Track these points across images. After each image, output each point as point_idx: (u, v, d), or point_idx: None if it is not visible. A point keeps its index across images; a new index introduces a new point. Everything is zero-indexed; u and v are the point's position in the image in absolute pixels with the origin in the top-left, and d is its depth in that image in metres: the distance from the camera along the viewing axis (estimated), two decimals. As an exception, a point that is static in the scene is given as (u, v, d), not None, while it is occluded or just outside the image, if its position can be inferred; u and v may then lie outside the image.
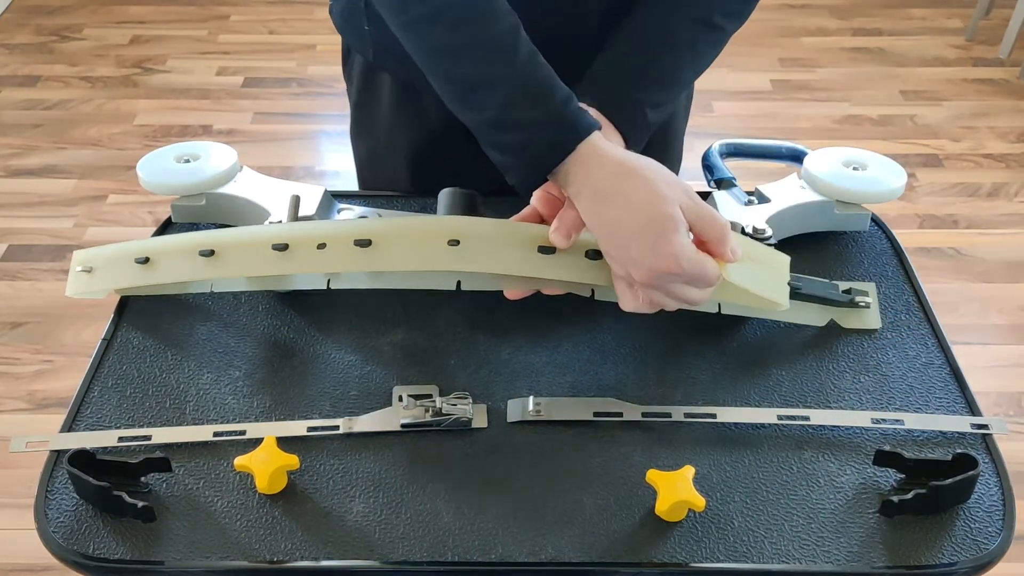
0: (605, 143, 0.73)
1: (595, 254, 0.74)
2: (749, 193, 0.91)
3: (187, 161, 0.92)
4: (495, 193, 0.82)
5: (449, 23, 0.75)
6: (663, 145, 0.95)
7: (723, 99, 2.72)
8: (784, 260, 0.79)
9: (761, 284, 0.76)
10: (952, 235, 2.24)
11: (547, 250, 0.74)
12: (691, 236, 0.71)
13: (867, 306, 0.83)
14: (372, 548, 0.66)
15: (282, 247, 0.77)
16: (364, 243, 0.75)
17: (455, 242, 0.74)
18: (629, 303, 0.73)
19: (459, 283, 0.79)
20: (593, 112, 0.78)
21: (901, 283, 0.88)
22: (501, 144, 0.75)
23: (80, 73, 2.84)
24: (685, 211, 0.70)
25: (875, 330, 0.82)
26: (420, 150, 1.01)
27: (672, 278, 0.70)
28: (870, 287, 0.86)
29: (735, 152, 1.00)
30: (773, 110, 2.69)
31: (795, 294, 0.81)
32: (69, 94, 2.74)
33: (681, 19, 0.83)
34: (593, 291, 0.79)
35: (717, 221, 0.71)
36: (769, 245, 0.84)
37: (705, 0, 0.84)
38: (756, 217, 0.87)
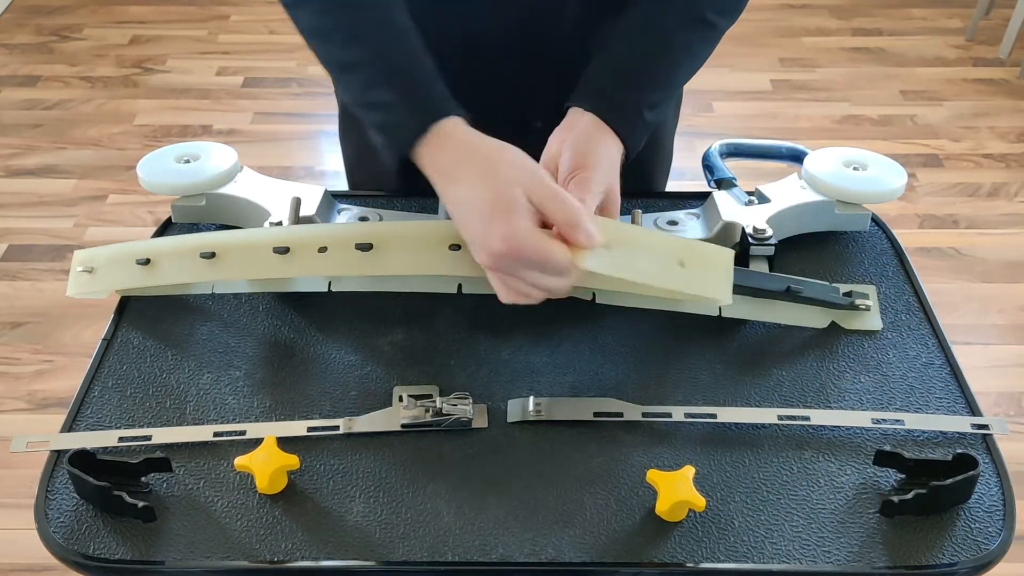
0: (462, 127, 0.74)
1: None
2: (749, 193, 0.91)
3: (187, 161, 0.92)
4: None
5: (318, 5, 0.79)
6: (652, 146, 0.95)
7: (723, 99, 2.72)
8: (726, 255, 0.75)
9: (656, 274, 0.73)
10: (952, 235, 2.24)
11: None
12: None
13: (867, 309, 0.83)
14: (372, 548, 0.66)
15: (283, 250, 0.77)
16: (365, 247, 0.75)
17: (456, 247, 0.74)
18: (499, 293, 0.73)
19: (460, 286, 0.79)
20: (589, 119, 0.78)
21: (901, 283, 0.88)
22: (367, 123, 0.78)
23: (80, 73, 2.84)
24: (530, 194, 0.69)
25: (876, 331, 0.82)
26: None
27: (513, 263, 0.69)
28: (871, 290, 0.86)
29: (735, 152, 1.00)
30: (773, 110, 2.69)
31: (796, 297, 0.81)
32: (69, 94, 2.74)
33: (673, 18, 0.83)
34: (594, 295, 0.79)
35: (565, 203, 0.69)
36: (769, 245, 0.84)
37: None
38: (756, 217, 0.87)
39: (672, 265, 0.73)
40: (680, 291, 0.75)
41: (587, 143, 0.77)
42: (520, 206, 0.69)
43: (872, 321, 0.83)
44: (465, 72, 0.93)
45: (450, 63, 0.93)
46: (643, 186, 1.05)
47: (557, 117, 0.80)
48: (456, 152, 0.73)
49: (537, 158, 0.82)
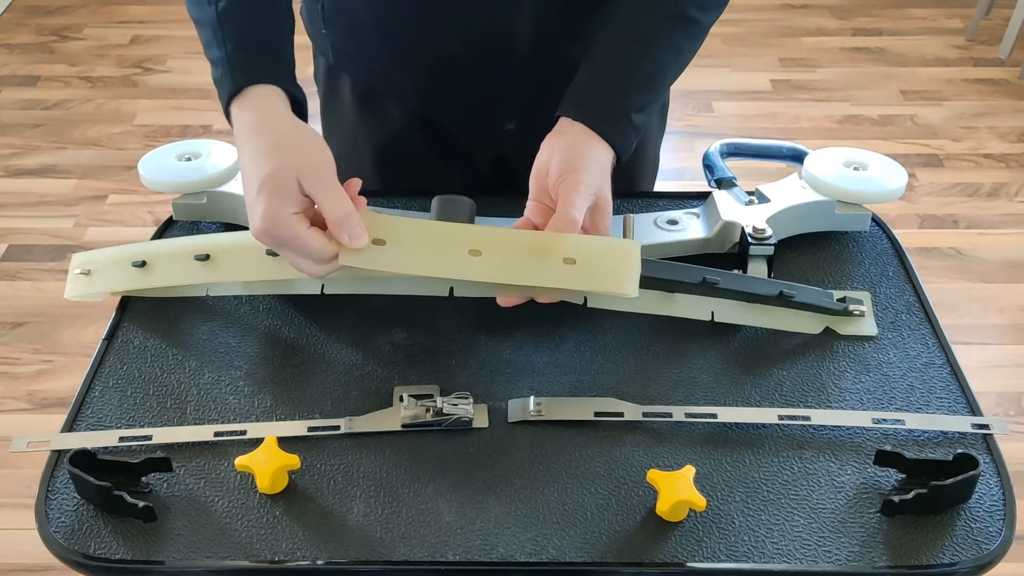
0: (273, 98, 0.76)
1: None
2: (749, 193, 0.91)
3: (188, 159, 0.93)
4: (462, 192, 0.83)
5: None
6: (638, 149, 0.95)
7: (723, 99, 2.72)
8: (629, 247, 0.73)
9: (499, 273, 0.72)
10: (952, 235, 2.24)
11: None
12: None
13: (861, 314, 0.83)
14: (373, 548, 0.66)
15: (275, 252, 0.77)
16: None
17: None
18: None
19: (451, 289, 0.79)
20: (579, 127, 0.78)
21: (902, 283, 0.88)
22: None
23: (80, 73, 2.84)
24: (304, 182, 0.71)
25: (872, 337, 0.82)
26: (383, 150, 1.02)
27: (272, 241, 0.72)
28: (865, 295, 0.86)
29: (735, 152, 1.00)
30: (773, 110, 2.69)
31: (789, 302, 0.81)
32: (69, 94, 2.74)
33: (655, 17, 0.83)
34: (586, 299, 0.79)
35: (335, 200, 0.71)
36: (769, 245, 0.84)
37: None
38: (756, 217, 0.87)
39: (547, 263, 0.72)
40: (564, 287, 0.73)
41: (576, 148, 0.77)
42: (288, 192, 0.71)
43: (867, 327, 0.83)
44: (437, 77, 0.94)
45: (423, 69, 0.94)
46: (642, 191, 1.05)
47: (528, 118, 0.81)
48: (254, 120, 0.75)
49: (513, 157, 0.82)
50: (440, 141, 1.01)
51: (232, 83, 0.77)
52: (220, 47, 0.79)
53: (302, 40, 1.02)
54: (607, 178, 0.77)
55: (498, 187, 1.01)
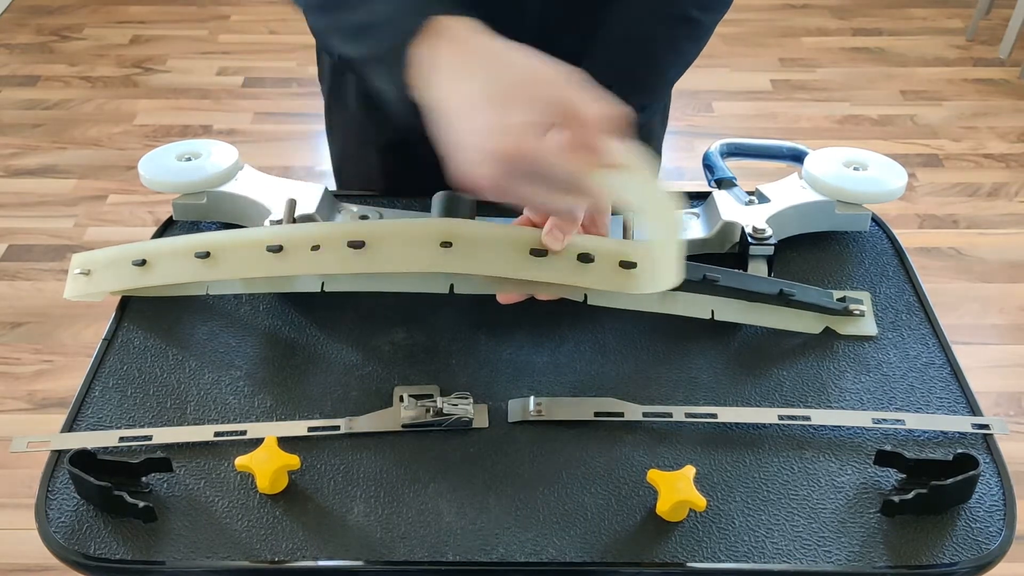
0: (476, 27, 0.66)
1: (586, 257, 0.74)
2: (749, 193, 0.91)
3: (188, 159, 0.93)
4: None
5: None
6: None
7: (723, 99, 2.72)
8: (670, 244, 0.71)
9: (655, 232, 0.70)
10: (952, 235, 2.24)
11: (540, 253, 0.74)
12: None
13: (861, 314, 0.83)
14: (373, 548, 0.66)
15: (276, 248, 0.77)
16: (358, 244, 0.75)
17: (448, 244, 0.74)
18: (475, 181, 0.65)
19: (452, 286, 0.79)
20: None
21: (902, 283, 0.88)
22: (356, 53, 0.71)
23: (80, 73, 2.84)
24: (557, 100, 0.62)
25: (872, 337, 0.82)
26: (389, 149, 1.02)
27: (516, 167, 0.62)
28: (864, 295, 0.86)
29: (735, 152, 1.00)
30: (773, 110, 2.69)
31: (788, 301, 0.81)
32: (69, 94, 2.74)
33: (655, 18, 0.83)
34: (586, 296, 0.79)
35: (592, 121, 0.63)
36: (769, 245, 0.84)
37: None
38: (756, 217, 0.87)
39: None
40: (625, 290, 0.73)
41: None
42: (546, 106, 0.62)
43: (867, 326, 0.83)
44: None
45: None
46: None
47: None
48: (483, 44, 0.65)
49: None
50: None
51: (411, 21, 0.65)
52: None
53: (307, 40, 1.02)
54: None
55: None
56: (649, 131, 1.03)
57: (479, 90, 0.63)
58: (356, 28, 0.70)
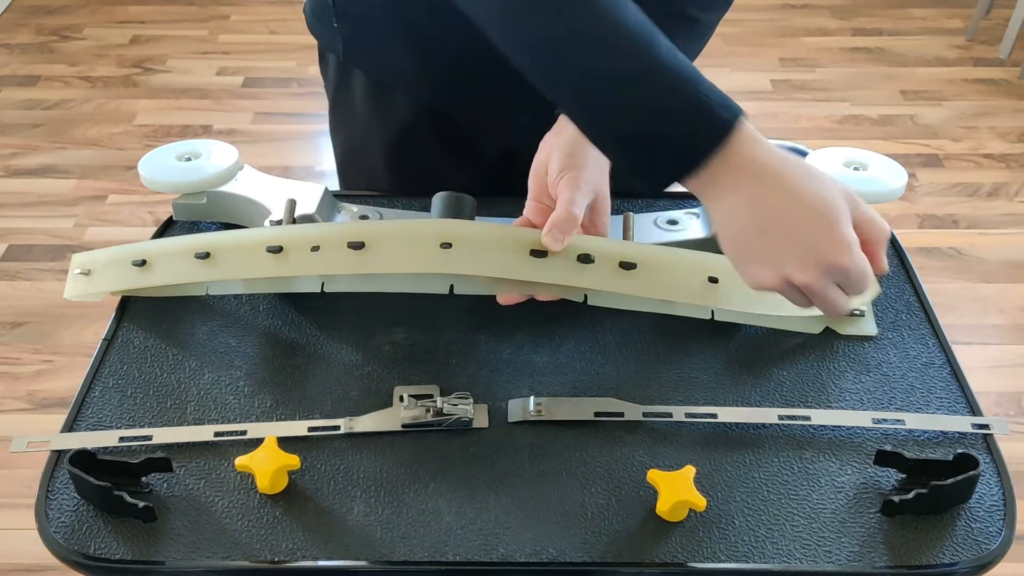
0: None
1: (586, 258, 0.74)
2: (750, 193, 0.90)
3: (188, 159, 0.93)
4: (472, 191, 0.82)
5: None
6: None
7: (723, 99, 2.71)
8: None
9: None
10: (952, 235, 2.24)
11: (539, 254, 0.74)
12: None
13: (862, 314, 0.83)
14: (373, 548, 0.66)
15: (276, 249, 0.77)
16: (357, 245, 0.75)
17: (447, 245, 0.74)
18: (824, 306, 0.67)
19: (452, 287, 0.79)
20: (573, 129, 0.78)
21: (902, 283, 0.88)
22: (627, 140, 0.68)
23: (80, 73, 2.84)
24: (849, 205, 0.65)
25: (872, 337, 0.82)
26: (395, 147, 1.02)
27: (842, 272, 0.64)
28: None
29: (736, 152, 1.00)
30: (773, 110, 2.69)
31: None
32: (69, 94, 2.74)
33: (655, 16, 0.83)
34: (586, 296, 0.79)
35: (879, 223, 0.67)
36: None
37: None
38: (757, 217, 0.86)
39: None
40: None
41: (575, 145, 0.77)
42: (848, 215, 0.65)
43: (867, 327, 0.83)
44: (454, 67, 0.93)
45: (440, 59, 0.93)
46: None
47: (543, 109, 0.80)
48: (769, 156, 0.65)
49: (524, 149, 0.82)
50: (452, 134, 1.00)
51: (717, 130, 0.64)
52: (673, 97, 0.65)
53: (308, 40, 1.02)
54: (606, 176, 0.77)
55: (508, 182, 1.01)
56: None
57: (787, 206, 0.64)
58: (635, 137, 0.67)
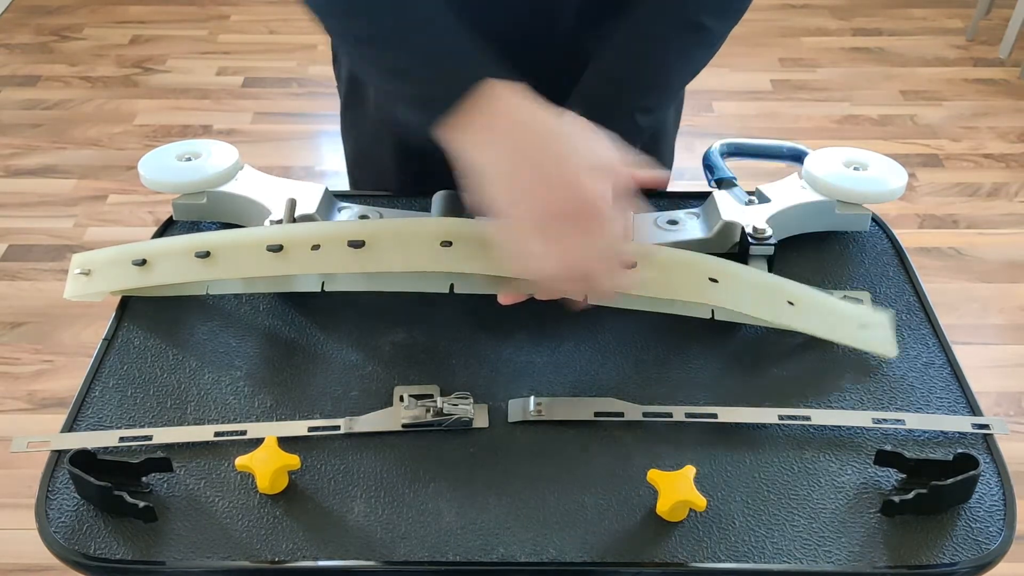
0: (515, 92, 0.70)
1: None
2: (750, 193, 0.91)
3: (188, 159, 0.93)
4: None
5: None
6: (652, 147, 0.95)
7: (723, 99, 2.72)
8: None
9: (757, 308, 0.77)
10: (952, 235, 2.24)
11: None
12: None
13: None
14: (373, 548, 0.66)
15: (276, 248, 0.77)
16: (358, 244, 0.75)
17: (448, 243, 0.74)
18: (539, 266, 0.69)
19: (452, 286, 0.79)
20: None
21: (902, 283, 0.88)
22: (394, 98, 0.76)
23: (80, 73, 2.84)
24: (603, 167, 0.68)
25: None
26: (406, 149, 1.02)
27: (568, 216, 0.66)
28: (865, 295, 0.86)
29: (736, 152, 1.00)
30: (773, 110, 2.69)
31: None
32: (69, 94, 2.74)
33: (667, 23, 0.83)
34: (586, 296, 0.79)
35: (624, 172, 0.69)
36: (769, 245, 0.84)
37: (691, 1, 0.83)
38: (756, 217, 0.87)
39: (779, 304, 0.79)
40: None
41: None
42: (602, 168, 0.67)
43: (886, 346, 0.82)
44: None
45: None
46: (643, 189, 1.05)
47: (565, 99, 0.80)
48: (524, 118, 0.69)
49: None
50: None
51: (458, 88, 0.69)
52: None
53: (307, 40, 1.02)
54: None
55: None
56: (662, 129, 1.03)
57: (521, 178, 0.67)
58: (394, 71, 0.73)
